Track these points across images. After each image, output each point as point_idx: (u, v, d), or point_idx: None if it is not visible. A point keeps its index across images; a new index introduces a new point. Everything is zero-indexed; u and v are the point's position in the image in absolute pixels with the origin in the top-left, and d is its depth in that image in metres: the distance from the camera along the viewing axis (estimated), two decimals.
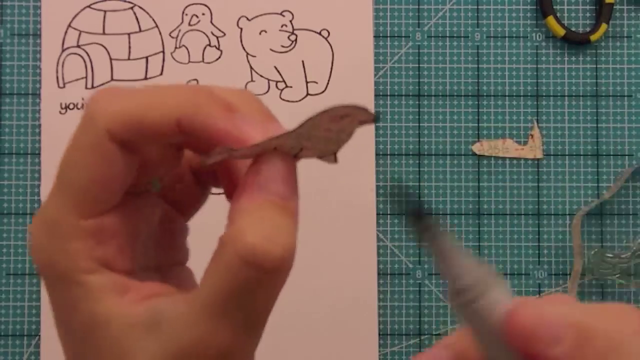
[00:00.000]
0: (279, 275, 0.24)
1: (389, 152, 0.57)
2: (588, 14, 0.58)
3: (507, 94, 0.57)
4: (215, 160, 0.25)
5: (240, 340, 0.24)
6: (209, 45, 0.57)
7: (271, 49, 0.57)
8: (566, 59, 0.58)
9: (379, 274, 0.56)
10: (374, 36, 0.57)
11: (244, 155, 0.25)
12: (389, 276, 0.56)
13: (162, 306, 0.25)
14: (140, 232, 0.27)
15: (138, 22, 0.57)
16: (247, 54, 0.57)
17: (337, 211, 0.55)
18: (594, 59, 0.58)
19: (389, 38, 0.58)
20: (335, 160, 0.26)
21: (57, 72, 0.56)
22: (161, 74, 0.57)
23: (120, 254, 0.26)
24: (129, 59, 0.57)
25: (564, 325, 0.22)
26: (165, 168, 0.27)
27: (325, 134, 0.25)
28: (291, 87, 0.57)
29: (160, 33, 0.57)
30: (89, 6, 0.57)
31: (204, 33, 0.57)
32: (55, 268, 0.25)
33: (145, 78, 0.57)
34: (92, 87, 0.56)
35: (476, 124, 0.57)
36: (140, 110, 0.24)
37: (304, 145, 0.25)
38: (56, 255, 0.25)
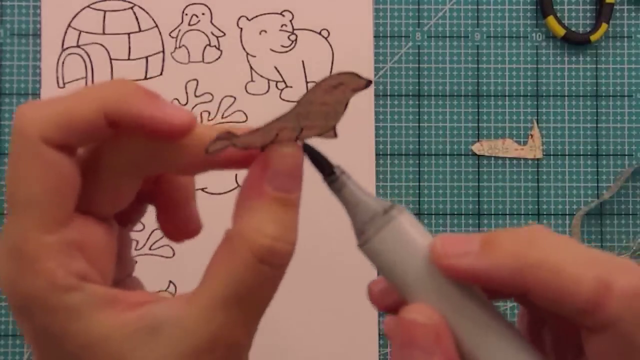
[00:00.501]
0: (283, 268, 0.25)
1: (389, 152, 0.57)
2: (588, 14, 0.58)
3: (507, 94, 0.57)
4: (216, 149, 0.25)
5: (248, 332, 0.25)
6: (209, 45, 0.57)
7: (271, 49, 0.57)
8: (566, 59, 0.58)
9: (378, 273, 0.56)
10: (374, 36, 0.57)
11: (245, 144, 0.25)
12: None
13: (157, 311, 0.24)
14: (102, 246, 0.26)
15: (138, 22, 0.57)
16: (247, 54, 0.57)
17: (336, 211, 0.55)
18: (594, 59, 0.58)
19: (389, 38, 0.58)
20: (335, 135, 0.27)
21: (57, 72, 0.56)
22: (161, 73, 0.57)
23: (95, 267, 0.25)
24: (128, 59, 0.57)
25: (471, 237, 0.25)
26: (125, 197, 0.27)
27: (322, 108, 0.26)
28: (291, 87, 0.57)
29: (160, 33, 0.57)
30: (88, 6, 0.57)
31: (203, 33, 0.57)
32: (32, 296, 0.24)
33: (145, 78, 0.57)
34: None
35: (476, 124, 0.57)
36: (68, 110, 0.24)
37: (304, 125, 0.26)
38: (30, 281, 0.24)
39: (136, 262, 0.31)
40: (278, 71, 0.57)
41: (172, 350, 0.24)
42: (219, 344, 0.24)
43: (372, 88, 0.57)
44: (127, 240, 0.30)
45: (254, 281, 0.24)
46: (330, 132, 0.27)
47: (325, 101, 0.26)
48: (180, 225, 0.29)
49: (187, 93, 0.57)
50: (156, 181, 0.28)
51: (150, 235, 0.55)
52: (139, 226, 0.31)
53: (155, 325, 0.24)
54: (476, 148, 0.57)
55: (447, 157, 0.57)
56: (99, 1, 0.57)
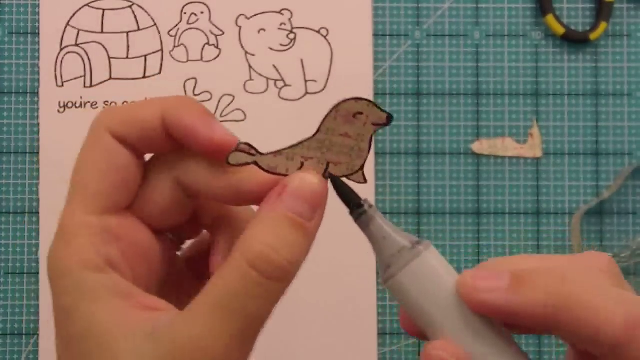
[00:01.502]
0: (279, 285, 0.25)
1: (388, 151, 0.57)
2: (588, 13, 0.58)
3: (506, 93, 0.57)
4: (240, 162, 0.26)
5: (233, 346, 0.25)
6: (208, 43, 0.57)
7: (270, 48, 0.57)
8: (566, 57, 0.58)
9: (378, 272, 0.56)
10: (373, 35, 0.57)
11: (269, 165, 0.26)
12: None
13: (159, 318, 0.25)
14: (143, 249, 0.28)
15: (137, 21, 0.57)
16: (246, 52, 0.57)
17: (336, 210, 0.55)
18: (594, 57, 0.58)
19: (388, 37, 0.57)
20: (364, 179, 0.27)
21: (55, 70, 0.56)
22: (160, 72, 0.57)
23: (125, 260, 0.27)
24: (127, 57, 0.57)
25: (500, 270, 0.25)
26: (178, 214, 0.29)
27: (345, 141, 0.26)
28: (290, 85, 0.57)
29: (158, 31, 0.57)
30: (87, 5, 0.57)
31: (202, 32, 0.57)
32: (60, 264, 0.26)
33: (144, 77, 0.57)
34: (91, 85, 0.56)
35: (475, 123, 0.57)
36: (132, 109, 0.27)
37: (329, 160, 0.26)
38: (63, 251, 0.26)
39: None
40: (277, 70, 0.57)
41: (157, 352, 0.24)
42: (196, 351, 0.24)
43: (371, 87, 0.57)
44: (175, 260, 0.31)
45: (242, 289, 0.24)
46: (359, 174, 0.27)
47: (347, 132, 0.26)
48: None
49: (185, 92, 0.56)
50: (217, 219, 0.30)
51: None
52: None
53: (152, 331, 0.25)
54: (476, 147, 0.57)
55: (447, 155, 0.57)
56: (98, 0, 0.57)
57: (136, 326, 0.25)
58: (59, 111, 0.56)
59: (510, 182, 0.57)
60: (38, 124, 0.56)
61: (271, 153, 0.26)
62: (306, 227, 0.26)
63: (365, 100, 0.26)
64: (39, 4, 0.57)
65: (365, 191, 0.56)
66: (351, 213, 0.26)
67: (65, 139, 0.56)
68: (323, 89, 0.57)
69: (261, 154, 0.26)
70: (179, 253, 0.32)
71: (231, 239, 0.29)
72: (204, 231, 0.32)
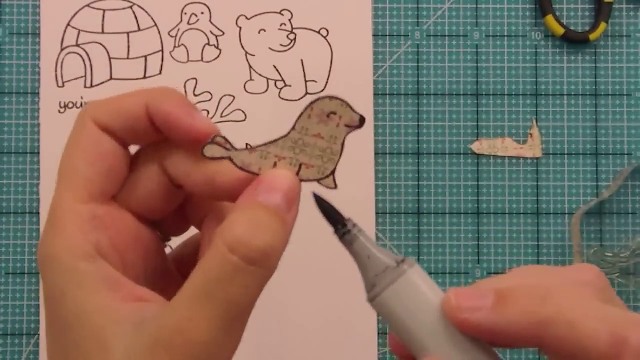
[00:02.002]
0: (259, 269, 0.25)
1: (387, 151, 0.57)
2: (587, 13, 0.58)
3: (506, 93, 0.57)
4: (214, 156, 0.27)
5: (217, 333, 0.25)
6: (208, 44, 0.57)
7: (270, 48, 0.57)
8: (565, 57, 0.58)
9: None
10: (373, 35, 0.57)
11: (242, 162, 0.27)
12: None
13: (147, 308, 0.25)
14: (130, 238, 0.28)
15: (137, 21, 0.57)
16: (246, 52, 0.57)
17: None
18: (593, 57, 0.58)
19: (387, 37, 0.58)
20: (334, 184, 0.27)
21: (56, 70, 0.56)
22: (160, 72, 0.57)
23: (113, 248, 0.27)
24: (127, 57, 0.57)
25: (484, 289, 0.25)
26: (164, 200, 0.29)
27: (317, 142, 0.27)
28: (290, 85, 0.57)
29: (159, 32, 0.57)
30: (88, 5, 0.57)
31: (202, 32, 0.57)
32: (49, 251, 0.26)
33: (144, 77, 0.57)
34: (91, 85, 0.56)
35: (475, 123, 0.57)
36: (117, 100, 0.28)
37: (301, 161, 0.27)
38: (52, 239, 0.26)
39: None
40: (277, 70, 0.57)
41: (142, 340, 0.24)
42: (178, 337, 0.24)
43: (371, 87, 0.57)
44: (162, 255, 0.31)
45: (223, 274, 0.24)
46: (329, 179, 0.27)
47: (320, 132, 0.27)
48: None
49: (186, 92, 0.57)
50: (206, 217, 0.30)
51: None
52: None
53: (141, 321, 0.25)
54: (475, 147, 0.57)
55: (446, 155, 0.57)
56: (98, 0, 0.57)
57: (125, 316, 0.25)
58: (59, 111, 0.56)
59: (509, 182, 0.57)
60: (38, 124, 0.56)
61: (246, 149, 0.27)
62: (282, 217, 0.26)
63: (339, 99, 0.27)
64: (39, 4, 0.57)
65: (366, 191, 0.56)
66: (335, 232, 0.26)
67: (65, 139, 0.56)
68: (323, 89, 0.57)
69: (236, 149, 0.27)
70: (167, 251, 0.32)
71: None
72: (193, 234, 0.32)
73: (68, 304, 0.25)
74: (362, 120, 0.27)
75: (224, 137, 0.27)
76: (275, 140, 0.27)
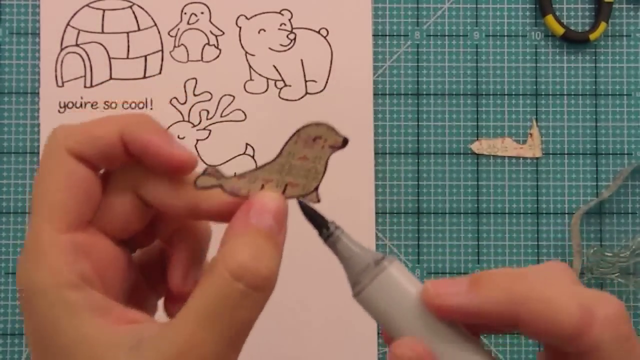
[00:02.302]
0: (262, 293, 0.26)
1: (387, 151, 0.57)
2: (587, 13, 0.58)
3: (506, 93, 0.57)
4: (205, 185, 0.28)
5: (223, 353, 0.25)
6: (208, 44, 0.57)
7: (270, 48, 0.57)
8: (565, 57, 0.58)
9: None
10: (373, 35, 0.57)
11: (232, 188, 0.28)
12: None
13: (142, 329, 0.26)
14: (111, 262, 0.28)
15: (137, 21, 0.57)
16: (246, 52, 0.57)
17: (336, 210, 0.55)
18: (593, 57, 0.58)
19: (387, 37, 0.58)
20: (317, 199, 0.29)
21: (55, 70, 0.56)
22: (160, 72, 0.57)
23: (99, 277, 0.27)
24: (127, 57, 0.57)
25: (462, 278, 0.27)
26: (136, 222, 0.29)
27: (303, 164, 0.28)
28: (290, 86, 0.57)
29: (159, 32, 0.57)
30: (87, 5, 0.57)
31: (202, 32, 0.57)
32: (36, 285, 0.26)
33: (144, 77, 0.57)
34: (91, 85, 0.56)
35: (475, 123, 0.57)
36: (91, 127, 0.28)
37: (288, 182, 0.28)
38: (38, 271, 0.26)
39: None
40: (277, 70, 0.57)
41: None
42: (183, 359, 0.25)
43: (371, 87, 0.57)
44: (149, 293, 0.32)
45: (228, 299, 0.25)
46: (312, 194, 0.29)
47: (306, 155, 0.28)
48: (176, 281, 0.31)
49: (186, 92, 0.57)
50: (175, 232, 0.31)
51: None
52: None
53: (137, 342, 0.25)
54: (475, 147, 0.57)
55: (446, 155, 0.57)
56: (98, 0, 0.57)
57: (121, 340, 0.25)
58: (59, 111, 0.56)
59: (509, 182, 0.57)
60: (38, 124, 0.56)
61: (235, 176, 0.28)
62: (275, 240, 0.27)
63: (325, 124, 0.28)
64: (39, 4, 0.57)
65: (366, 191, 0.56)
66: (320, 235, 0.28)
67: None
68: (323, 89, 0.57)
69: (226, 177, 0.28)
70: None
71: (189, 251, 0.31)
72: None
73: (61, 335, 0.25)
74: (345, 141, 0.29)
75: (214, 167, 0.28)
76: (263, 166, 0.28)
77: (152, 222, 0.31)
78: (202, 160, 0.56)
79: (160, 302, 0.32)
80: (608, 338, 0.25)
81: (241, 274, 0.26)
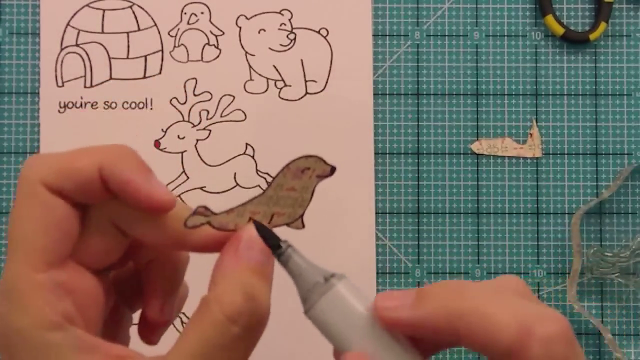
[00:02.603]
0: (257, 332, 0.27)
1: (387, 151, 0.57)
2: (587, 13, 0.58)
3: (506, 93, 0.57)
4: (195, 225, 0.28)
5: None
6: (208, 44, 0.57)
7: (270, 48, 0.57)
8: (565, 57, 0.58)
9: (377, 272, 0.56)
10: (373, 35, 0.57)
11: (221, 224, 0.28)
12: (387, 275, 0.56)
13: None
14: (91, 295, 0.28)
15: (137, 21, 0.57)
16: (246, 52, 0.57)
17: (336, 210, 0.55)
18: (593, 57, 0.58)
19: (387, 37, 0.58)
20: (302, 225, 0.30)
21: (55, 70, 0.56)
22: (160, 72, 0.57)
23: (81, 313, 0.26)
24: (127, 57, 0.57)
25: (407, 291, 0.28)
26: (114, 252, 0.29)
27: (290, 194, 0.29)
28: (290, 86, 0.57)
29: (159, 32, 0.57)
30: (87, 5, 0.57)
31: (202, 32, 0.57)
32: (17, 330, 0.25)
33: (144, 77, 0.57)
34: (91, 85, 0.56)
35: (475, 123, 0.57)
36: (68, 160, 0.27)
37: (274, 212, 0.29)
38: (19, 315, 0.25)
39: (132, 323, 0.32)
40: (277, 70, 0.57)
41: None
42: None
43: (370, 87, 0.57)
44: (125, 313, 0.32)
45: (224, 341, 0.26)
46: (298, 221, 0.30)
47: (294, 186, 0.29)
48: (155, 308, 0.31)
49: (185, 92, 0.57)
50: (150, 262, 0.31)
51: None
52: None
53: None
54: (475, 147, 0.57)
55: (446, 155, 0.57)
56: (98, 0, 0.57)
57: None
58: (59, 111, 0.56)
59: (509, 182, 0.57)
60: (38, 124, 0.56)
61: (224, 212, 0.28)
62: (266, 272, 0.28)
63: (314, 156, 0.29)
64: (39, 4, 0.57)
65: (366, 191, 0.56)
66: (273, 253, 0.28)
67: (65, 139, 0.56)
68: (323, 89, 0.57)
69: (215, 213, 0.28)
70: None
71: (166, 280, 0.31)
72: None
73: None
74: (333, 170, 0.29)
75: (204, 207, 0.28)
76: (251, 200, 0.28)
77: (128, 251, 0.30)
78: (202, 161, 0.56)
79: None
80: (545, 358, 0.25)
81: (237, 317, 0.26)
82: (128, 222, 0.28)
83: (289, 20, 0.57)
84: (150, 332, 0.31)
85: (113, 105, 0.56)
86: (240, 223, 0.28)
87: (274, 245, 0.28)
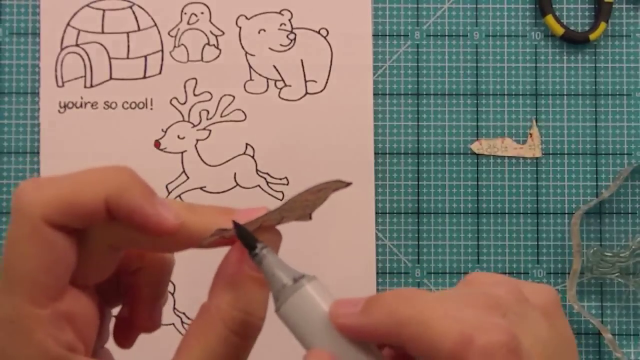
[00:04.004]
0: (255, 338, 0.28)
1: (387, 151, 0.57)
2: (587, 13, 0.58)
3: (506, 93, 0.57)
4: (211, 241, 0.28)
5: None
6: (208, 44, 0.57)
7: (270, 48, 0.57)
8: (565, 57, 0.58)
9: (377, 272, 0.56)
10: (373, 35, 0.57)
11: (233, 236, 0.28)
12: (387, 275, 0.56)
13: None
14: (89, 317, 0.28)
15: (137, 21, 0.57)
16: (246, 52, 0.57)
17: (336, 210, 0.55)
18: (593, 57, 0.58)
19: (387, 37, 0.58)
20: (310, 218, 0.30)
21: (56, 71, 0.56)
22: (160, 72, 0.57)
23: (80, 338, 0.27)
24: (127, 57, 0.57)
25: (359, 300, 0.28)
26: (105, 267, 0.29)
27: (303, 204, 0.29)
28: (290, 86, 0.57)
29: (159, 32, 0.57)
30: (87, 5, 0.57)
31: (202, 32, 0.57)
32: None
33: (144, 77, 0.57)
34: (91, 85, 0.56)
35: (475, 123, 0.57)
36: (71, 193, 0.26)
37: (284, 216, 0.29)
38: (21, 351, 0.25)
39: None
40: (277, 70, 0.57)
41: None
42: None
43: (370, 87, 0.57)
44: (106, 312, 0.31)
45: (224, 352, 0.27)
46: (305, 216, 0.30)
47: (308, 199, 0.29)
48: (144, 315, 0.31)
49: (186, 92, 0.57)
50: (137, 270, 0.31)
51: None
52: None
53: None
54: (475, 147, 0.57)
55: (446, 156, 0.57)
56: (98, 0, 0.57)
57: None
58: (59, 111, 0.56)
59: (509, 182, 0.57)
60: (38, 124, 0.56)
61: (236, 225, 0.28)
62: (266, 283, 0.28)
63: (334, 180, 0.29)
64: (39, 4, 0.57)
65: (366, 191, 0.56)
66: (249, 253, 0.29)
67: (65, 139, 0.56)
68: (323, 89, 0.57)
69: (228, 230, 0.28)
70: None
71: (154, 287, 0.31)
72: None
73: None
74: (347, 185, 0.30)
75: (219, 229, 0.28)
76: (265, 215, 0.28)
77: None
78: (202, 161, 0.56)
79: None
80: None
81: (238, 328, 0.27)
82: (129, 241, 0.28)
83: (289, 20, 0.57)
84: (130, 337, 0.32)
85: (113, 105, 0.56)
86: (251, 229, 0.29)
87: (250, 245, 0.29)
